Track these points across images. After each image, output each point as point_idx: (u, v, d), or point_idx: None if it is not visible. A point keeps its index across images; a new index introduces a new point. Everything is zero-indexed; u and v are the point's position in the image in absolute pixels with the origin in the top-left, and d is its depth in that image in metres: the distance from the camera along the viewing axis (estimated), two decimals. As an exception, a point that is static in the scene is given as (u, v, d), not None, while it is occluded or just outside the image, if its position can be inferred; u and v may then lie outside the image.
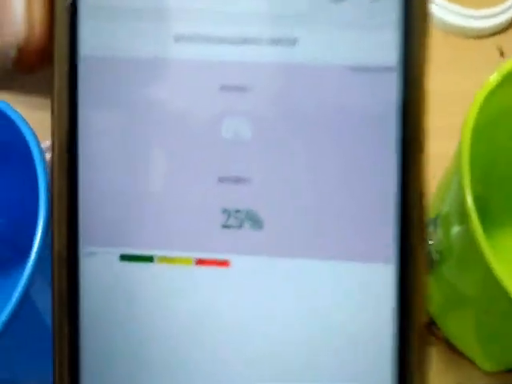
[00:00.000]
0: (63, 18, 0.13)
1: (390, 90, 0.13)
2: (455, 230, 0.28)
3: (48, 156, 0.42)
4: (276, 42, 0.13)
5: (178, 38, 0.13)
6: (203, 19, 0.13)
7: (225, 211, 0.14)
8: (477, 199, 0.26)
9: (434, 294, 0.34)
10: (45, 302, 0.31)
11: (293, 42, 0.13)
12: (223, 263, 0.14)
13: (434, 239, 0.29)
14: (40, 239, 0.29)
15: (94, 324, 0.14)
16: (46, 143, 0.44)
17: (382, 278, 0.13)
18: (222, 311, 0.14)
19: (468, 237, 0.26)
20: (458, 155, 0.27)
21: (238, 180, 0.14)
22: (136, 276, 0.14)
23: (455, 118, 0.44)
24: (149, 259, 0.14)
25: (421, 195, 0.13)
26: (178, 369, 0.14)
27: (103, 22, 0.13)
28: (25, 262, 0.44)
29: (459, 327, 0.33)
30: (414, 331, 0.13)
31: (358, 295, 0.13)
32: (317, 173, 0.13)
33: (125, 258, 0.14)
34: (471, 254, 0.27)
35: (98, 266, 0.14)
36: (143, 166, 0.14)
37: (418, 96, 0.13)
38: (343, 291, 0.13)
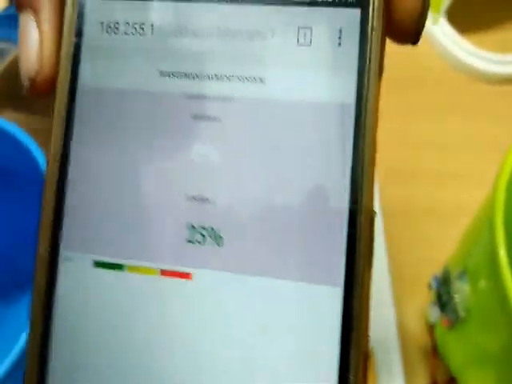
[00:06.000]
0: (68, 53, 0.16)
1: (347, 123, 0.15)
2: (484, 285, 0.27)
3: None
4: (246, 79, 0.15)
5: (162, 74, 0.16)
6: (184, 58, 0.15)
7: (190, 227, 0.15)
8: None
9: (456, 351, 0.33)
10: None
11: (261, 80, 0.15)
12: (186, 275, 0.15)
13: (460, 295, 0.28)
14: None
15: (66, 323, 0.15)
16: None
17: (330, 299, 0.14)
18: (181, 320, 0.15)
19: (498, 294, 0.25)
20: (490, 209, 0.26)
21: (204, 199, 0.15)
22: (106, 282, 0.15)
23: (476, 165, 0.44)
24: (119, 267, 0.15)
25: (370, 221, 0.15)
26: (136, 372, 0.15)
27: (101, 59, 0.16)
28: (26, 290, 0.43)
29: (481, 385, 0.32)
30: (358, 354, 0.14)
31: (305, 315, 0.14)
32: (276, 198, 0.15)
33: (98, 264, 0.15)
34: (501, 312, 0.25)
35: (74, 270, 0.15)
36: (121, 184, 0.16)
37: (371, 131, 0.15)
38: (292, 310, 0.14)
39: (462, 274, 0.28)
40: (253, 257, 0.15)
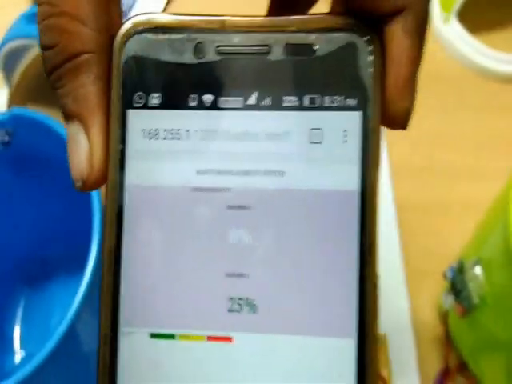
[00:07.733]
0: (115, 157, 0.18)
1: (352, 207, 0.18)
2: (498, 274, 0.28)
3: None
4: (269, 173, 0.18)
5: (199, 171, 0.18)
6: (216, 157, 0.18)
7: (230, 299, 0.18)
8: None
9: (468, 337, 0.34)
10: (87, 332, 0.30)
11: (281, 173, 0.18)
12: (228, 339, 0.18)
13: (474, 283, 0.30)
14: (91, 272, 0.28)
15: None
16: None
17: (345, 351, 0.17)
18: (226, 377, 0.18)
19: (511, 282, 0.27)
20: (504, 200, 0.27)
21: (240, 275, 0.18)
22: (161, 350, 0.18)
23: (486, 160, 0.45)
24: (171, 337, 0.18)
25: (375, 285, 0.18)
26: None
27: (143, 161, 0.18)
28: (54, 276, 0.44)
29: (491, 369, 0.33)
30: None
31: (326, 363, 0.18)
32: (298, 271, 0.18)
33: (153, 335, 0.18)
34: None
35: (132, 343, 0.18)
36: (170, 266, 0.18)
37: (372, 211, 0.18)
38: (317, 361, 0.18)
39: (477, 263, 0.30)
40: (282, 319, 0.18)
